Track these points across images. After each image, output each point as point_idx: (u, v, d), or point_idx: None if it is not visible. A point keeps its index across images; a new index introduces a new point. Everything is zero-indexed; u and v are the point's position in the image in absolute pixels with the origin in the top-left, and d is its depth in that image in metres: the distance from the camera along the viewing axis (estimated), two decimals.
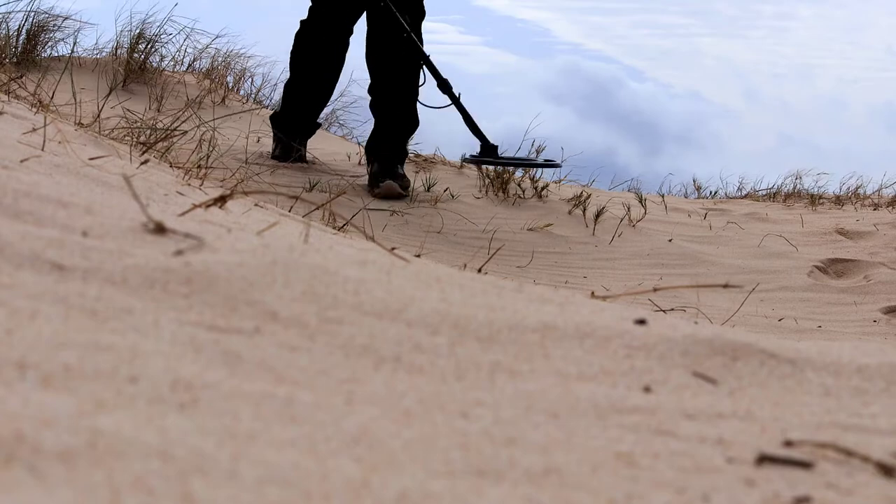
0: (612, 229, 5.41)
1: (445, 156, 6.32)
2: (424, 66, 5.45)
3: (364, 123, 7.95)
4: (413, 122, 5.66)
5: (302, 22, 5.61)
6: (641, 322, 1.37)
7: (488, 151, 5.44)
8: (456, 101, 5.44)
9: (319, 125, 5.92)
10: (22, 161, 2.01)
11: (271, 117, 5.80)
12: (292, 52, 5.67)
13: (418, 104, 5.65)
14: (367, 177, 5.63)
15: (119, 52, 6.81)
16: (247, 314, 1.19)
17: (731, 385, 1.25)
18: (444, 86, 5.46)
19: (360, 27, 5.62)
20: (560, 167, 5.73)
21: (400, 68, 5.50)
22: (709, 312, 3.82)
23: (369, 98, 5.65)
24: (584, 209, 5.59)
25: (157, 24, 6.82)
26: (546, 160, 5.70)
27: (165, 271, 1.25)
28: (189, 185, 2.89)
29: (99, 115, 3.45)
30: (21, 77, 3.94)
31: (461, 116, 5.51)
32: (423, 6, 5.58)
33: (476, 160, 5.50)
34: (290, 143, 5.61)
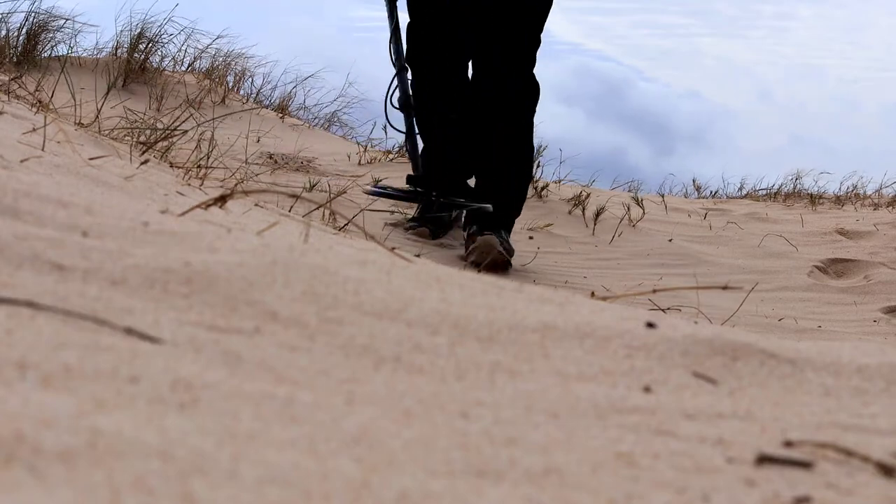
0: (612, 229, 5.41)
1: None
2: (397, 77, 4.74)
3: (364, 123, 7.92)
4: (527, 169, 4.69)
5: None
6: (651, 325, 1.37)
7: (416, 184, 4.56)
8: (410, 122, 4.80)
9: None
10: (22, 161, 2.01)
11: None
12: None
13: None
14: (367, 176, 5.61)
15: (119, 51, 6.81)
16: (247, 314, 1.19)
17: (731, 385, 1.25)
18: (406, 105, 4.76)
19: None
20: (490, 211, 4.45)
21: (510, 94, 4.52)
22: (709, 312, 3.81)
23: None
24: (584, 209, 5.59)
25: (158, 24, 6.83)
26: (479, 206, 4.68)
27: (165, 271, 1.25)
28: (189, 185, 2.89)
29: (99, 115, 3.45)
30: (21, 77, 3.94)
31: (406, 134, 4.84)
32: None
33: (380, 192, 4.57)
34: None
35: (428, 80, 4.58)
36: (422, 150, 4.77)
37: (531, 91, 4.53)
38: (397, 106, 4.77)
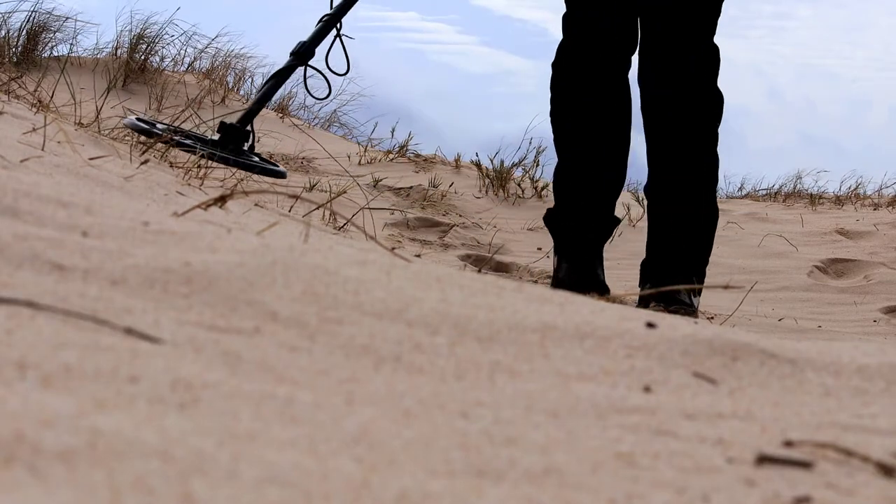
0: None
1: (446, 156, 6.32)
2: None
3: (364, 123, 7.92)
4: (713, 216, 3.62)
5: (553, 66, 3.80)
6: (651, 325, 1.37)
7: (228, 134, 3.56)
8: (287, 68, 3.73)
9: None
10: (22, 161, 2.01)
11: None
12: (551, 113, 3.79)
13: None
14: (368, 176, 5.61)
15: (119, 52, 6.82)
16: (247, 314, 1.19)
17: (731, 385, 1.25)
18: (304, 55, 3.73)
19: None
20: (285, 177, 3.64)
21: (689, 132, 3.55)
22: (709, 312, 3.81)
23: (646, 202, 3.85)
24: None
25: (159, 25, 6.83)
26: (271, 166, 3.72)
27: (165, 271, 1.25)
28: (189, 185, 2.89)
29: (99, 115, 3.45)
30: (21, 77, 3.94)
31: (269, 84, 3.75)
32: None
33: (137, 126, 3.46)
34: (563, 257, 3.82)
35: (578, 79, 3.71)
36: (557, 168, 3.79)
37: (714, 102, 3.58)
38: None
